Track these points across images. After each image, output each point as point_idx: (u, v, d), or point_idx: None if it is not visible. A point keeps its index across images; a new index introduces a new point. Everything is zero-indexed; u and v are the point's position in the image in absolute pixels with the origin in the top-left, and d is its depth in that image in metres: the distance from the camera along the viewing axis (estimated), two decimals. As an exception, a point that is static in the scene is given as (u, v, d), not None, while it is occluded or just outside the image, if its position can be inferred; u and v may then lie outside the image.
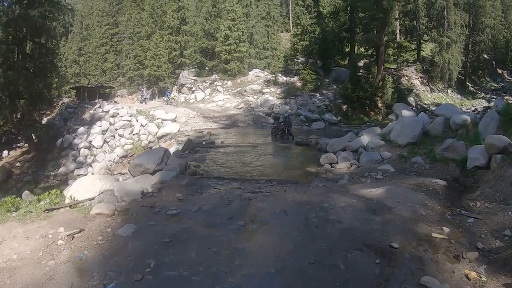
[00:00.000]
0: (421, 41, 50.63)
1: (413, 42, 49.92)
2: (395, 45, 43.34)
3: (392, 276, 5.10)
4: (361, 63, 40.07)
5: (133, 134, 28.87)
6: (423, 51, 51.22)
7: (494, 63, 63.49)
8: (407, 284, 4.88)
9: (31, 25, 26.63)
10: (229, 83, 40.71)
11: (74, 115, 33.93)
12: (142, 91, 47.25)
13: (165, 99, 41.30)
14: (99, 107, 32.74)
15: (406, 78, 45.32)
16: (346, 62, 44.68)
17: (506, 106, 11.72)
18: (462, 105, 40.35)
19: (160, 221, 7.13)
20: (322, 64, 41.24)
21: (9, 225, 6.99)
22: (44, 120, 33.08)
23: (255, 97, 36.61)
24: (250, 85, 39.18)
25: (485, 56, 58.30)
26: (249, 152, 16.63)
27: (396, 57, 45.40)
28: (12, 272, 5.38)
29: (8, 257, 5.75)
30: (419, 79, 46.66)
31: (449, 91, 47.58)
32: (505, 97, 45.09)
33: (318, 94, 36.14)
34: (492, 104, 43.21)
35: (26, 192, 16.88)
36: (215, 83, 41.42)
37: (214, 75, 43.38)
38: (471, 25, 50.53)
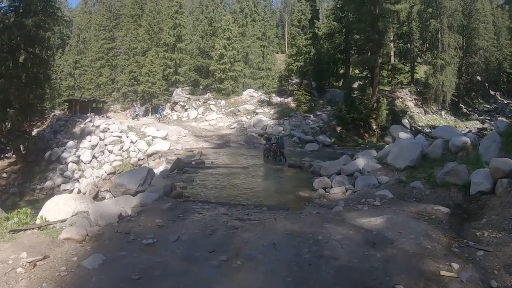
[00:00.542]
0: (415, 63, 50.92)
1: (407, 65, 50.11)
2: (389, 67, 43.36)
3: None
4: (355, 85, 39.92)
5: (123, 151, 28.28)
6: (417, 73, 51.47)
7: (487, 84, 63.94)
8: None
9: (25, 34, 26.17)
10: (223, 102, 40.28)
11: (65, 128, 33.29)
12: (135, 107, 46.65)
13: (157, 116, 40.77)
14: (90, 121, 32.10)
15: (400, 100, 45.24)
16: (340, 84, 44.62)
17: (509, 127, 11.16)
18: (456, 127, 40.13)
19: (133, 252, 6.34)
20: (316, 85, 41.08)
21: (-33, 247, 6.24)
22: (34, 132, 32.39)
23: (248, 117, 36.14)
24: (243, 104, 38.77)
25: (478, 78, 58.70)
26: (240, 173, 15.91)
27: (390, 79, 45.36)
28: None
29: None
30: (413, 101, 46.64)
31: (443, 112, 47.57)
32: (499, 118, 45.20)
33: (312, 116, 35.76)
34: (486, 125, 43.64)
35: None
36: (208, 102, 41.00)
37: (207, 93, 43.01)
38: (464, 47, 50.93)
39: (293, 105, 37.82)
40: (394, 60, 48.46)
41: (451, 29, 46.37)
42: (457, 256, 5.99)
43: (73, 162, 28.03)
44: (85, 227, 7.55)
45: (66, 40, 71.30)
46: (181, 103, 42.30)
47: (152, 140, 28.03)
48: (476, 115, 50.89)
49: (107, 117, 42.73)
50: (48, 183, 27.27)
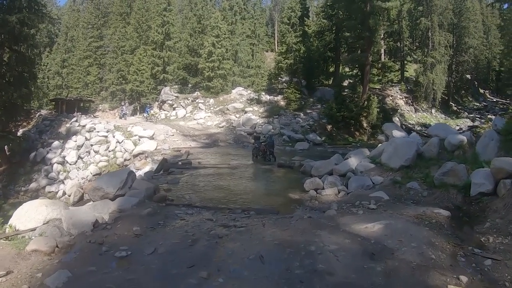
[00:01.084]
0: (405, 62, 50.89)
1: (397, 63, 50.01)
2: (380, 65, 43.18)
3: None
4: (345, 83, 39.55)
5: (109, 151, 27.52)
6: (407, 71, 51.52)
7: (476, 83, 64.41)
8: None
9: (9, 31, 25.25)
10: (211, 100, 39.58)
11: (50, 128, 32.37)
12: (122, 106, 45.77)
13: (144, 115, 39.94)
14: (76, 120, 31.23)
15: (391, 98, 45.08)
16: (330, 82, 44.18)
17: (507, 124, 10.69)
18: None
19: (103, 267, 5.63)
20: (306, 83, 40.62)
21: None
22: (20, 132, 31.52)
23: (237, 115, 35.47)
24: (232, 103, 38.10)
25: (468, 76, 58.99)
26: (228, 174, 15.25)
27: (380, 77, 45.25)
28: None
29: None
30: (404, 99, 46.56)
31: (433, 110, 47.62)
32: (488, 116, 45.36)
33: (302, 114, 35.27)
34: (477, 123, 43.61)
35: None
36: (197, 101, 40.24)
37: (196, 92, 42.27)
38: (454, 45, 50.98)
39: (282, 103, 37.30)
40: (384, 58, 48.34)
41: (442, 27, 46.45)
42: (464, 267, 5.42)
43: (58, 163, 27.34)
44: (55, 237, 6.86)
45: (54, 39, 70.12)
46: (169, 101, 41.49)
47: (139, 140, 27.29)
48: (466, 113, 51.21)
49: (94, 116, 42.09)
50: (33, 185, 26.60)
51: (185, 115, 38.46)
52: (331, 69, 46.31)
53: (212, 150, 24.57)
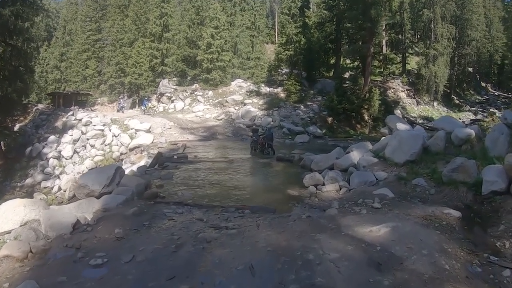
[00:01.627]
0: (407, 54, 50.15)
1: (398, 55, 49.24)
2: (381, 57, 42.50)
3: None
4: (346, 75, 38.99)
5: (105, 145, 27.17)
6: (409, 64, 50.83)
7: (478, 76, 63.72)
8: None
9: (3, 24, 24.71)
10: (210, 93, 38.93)
11: (47, 122, 31.88)
12: (120, 99, 45.24)
13: (142, 108, 39.39)
14: (72, 114, 30.76)
15: (392, 90, 44.42)
16: (331, 74, 43.49)
17: (519, 118, 10.05)
18: (449, 119, 39.40)
19: (75, 277, 5.01)
20: (307, 75, 39.95)
21: None
22: (17, 127, 31.19)
23: (237, 108, 34.86)
24: (232, 95, 37.47)
25: (470, 69, 58.30)
26: (224, 169, 14.63)
27: (382, 70, 44.60)
28: None
29: None
30: (405, 91, 45.90)
31: (435, 103, 46.97)
32: (491, 110, 44.78)
33: (302, 106, 34.62)
34: (479, 116, 42.99)
35: None
36: (195, 93, 39.60)
37: (195, 84, 41.61)
38: (457, 38, 50.10)
39: (282, 95, 36.66)
40: (386, 51, 47.60)
41: (444, 19, 45.59)
42: (482, 279, 4.80)
43: (54, 158, 27.03)
44: (30, 240, 6.23)
45: (52, 32, 69.55)
46: (167, 94, 40.85)
47: (135, 133, 26.84)
48: (468, 106, 50.62)
49: (92, 110, 41.84)
50: (29, 180, 26.27)
51: (183, 107, 37.88)
52: (332, 61, 45.57)
53: (210, 143, 24.00)
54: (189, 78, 44.73)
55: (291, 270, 4.93)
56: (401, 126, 14.13)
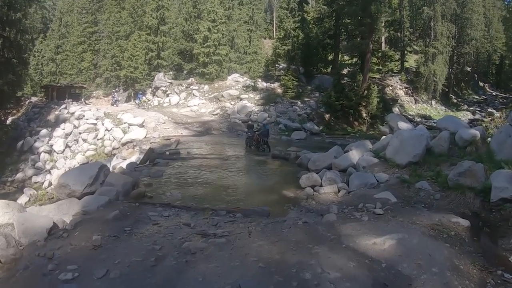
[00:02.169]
0: (405, 52, 49.70)
1: (397, 53, 48.75)
2: (380, 54, 41.99)
3: None
4: (344, 72, 38.44)
5: (97, 139, 26.61)
6: (407, 61, 50.45)
7: (476, 76, 63.52)
8: None
9: (-6, 15, 24.29)
10: (206, 87, 38.27)
11: (39, 116, 31.53)
12: (114, 93, 44.51)
13: (136, 102, 38.69)
14: (65, 108, 30.19)
15: (391, 88, 43.96)
16: (329, 70, 42.92)
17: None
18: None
19: (39, 295, 4.42)
20: (304, 70, 39.37)
21: None
22: (9, 120, 31.05)
23: (232, 103, 34.23)
24: (228, 90, 36.83)
25: (468, 68, 58.03)
26: (217, 166, 14.04)
27: (380, 67, 44.11)
28: None
29: None
30: (404, 89, 45.48)
31: (433, 102, 46.62)
32: (489, 110, 44.42)
33: (299, 102, 34.10)
34: (477, 116, 42.57)
35: None
36: (191, 87, 38.95)
37: (191, 78, 40.94)
38: (456, 36, 49.63)
39: (279, 90, 36.08)
40: (385, 48, 47.09)
41: (444, 18, 45.14)
42: (498, 301, 4.27)
43: (45, 152, 26.58)
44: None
45: (48, 24, 68.58)
46: (162, 88, 40.14)
47: (128, 128, 26.18)
48: (466, 106, 50.44)
49: (86, 103, 41.36)
50: (19, 175, 25.91)
51: (178, 102, 37.25)
52: (330, 57, 45.00)
53: (204, 138, 23.39)
54: (185, 72, 44.19)
55: (285, 293, 4.28)
56: (403, 125, 13.57)
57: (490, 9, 65.71)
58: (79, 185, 8.43)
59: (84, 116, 28.35)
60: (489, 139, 11.55)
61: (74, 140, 27.39)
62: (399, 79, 46.03)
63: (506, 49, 63.11)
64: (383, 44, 46.42)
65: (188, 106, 34.95)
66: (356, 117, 33.51)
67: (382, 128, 17.44)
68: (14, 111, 33.27)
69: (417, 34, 58.74)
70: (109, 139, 25.84)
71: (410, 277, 4.59)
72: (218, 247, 5.39)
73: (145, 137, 24.20)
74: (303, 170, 12.59)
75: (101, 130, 26.80)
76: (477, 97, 57.51)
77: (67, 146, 27.14)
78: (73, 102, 35.59)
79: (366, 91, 32.37)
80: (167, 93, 39.62)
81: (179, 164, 14.28)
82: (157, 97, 39.97)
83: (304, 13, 40.50)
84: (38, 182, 25.06)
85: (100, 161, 23.42)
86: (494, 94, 61.94)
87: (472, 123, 30.88)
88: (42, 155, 26.41)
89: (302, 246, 5.34)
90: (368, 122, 32.68)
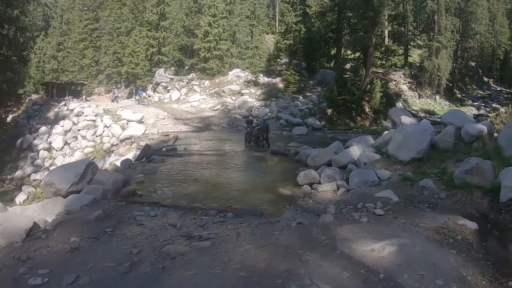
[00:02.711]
0: (409, 46, 49.08)
1: (400, 47, 48.11)
2: (383, 48, 41.37)
3: None
4: (347, 67, 37.90)
5: (96, 136, 26.45)
6: (411, 56, 49.84)
7: (480, 71, 62.85)
8: None
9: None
10: (207, 82, 37.84)
11: (39, 113, 31.50)
12: (114, 89, 44.27)
13: (136, 98, 38.41)
14: (65, 105, 30.16)
15: (394, 82, 43.41)
16: (331, 65, 42.32)
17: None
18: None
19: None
20: (306, 65, 38.80)
21: None
22: (10, 118, 31.10)
23: (233, 98, 33.80)
24: (229, 85, 36.38)
25: (472, 63, 57.37)
26: (214, 162, 13.63)
27: (383, 61, 43.53)
28: None
29: None
30: (407, 84, 44.96)
31: (437, 97, 46.05)
32: (493, 105, 43.84)
33: (301, 97, 33.60)
34: (482, 111, 41.89)
35: None
36: (192, 83, 38.57)
37: (191, 74, 40.60)
38: (461, 30, 48.91)
39: (281, 85, 35.58)
40: (388, 42, 46.49)
41: (448, 12, 44.52)
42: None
43: (44, 150, 26.63)
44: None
45: (50, 22, 68.59)
46: (163, 84, 39.78)
47: (127, 124, 25.91)
48: (470, 101, 50.01)
49: (86, 100, 41.35)
50: (18, 173, 26.00)
51: (179, 97, 36.95)
52: (333, 52, 44.33)
53: (204, 134, 23.01)
54: (186, 67, 43.85)
55: (268, 309, 3.75)
56: (406, 120, 13.04)
57: (495, 3, 64.90)
58: (64, 183, 8.02)
59: (83, 112, 28.21)
60: (495, 134, 11.04)
61: (73, 137, 27.30)
62: (403, 74, 45.50)
63: (510, 44, 62.31)
64: (386, 38, 45.89)
65: (188, 102, 34.62)
66: (358, 112, 33.05)
67: (385, 123, 16.90)
68: (15, 109, 33.30)
69: (420, 28, 58.13)
70: (108, 136, 25.62)
71: (412, 289, 4.07)
72: (201, 251, 4.89)
73: (143, 133, 23.97)
74: (302, 166, 12.10)
75: (100, 126, 26.64)
76: (482, 92, 56.99)
77: (66, 143, 27.11)
78: (73, 99, 35.53)
79: (369, 86, 31.88)
80: (167, 89, 39.28)
81: (175, 160, 13.87)
82: (158, 93, 39.65)
83: (306, 7, 39.88)
84: (37, 179, 24.76)
85: (97, 158, 23.30)
86: (498, 89, 61.40)
87: (477, 118, 30.33)
88: (41, 152, 26.38)
89: (292, 252, 4.84)
90: (371, 117, 32.20)
